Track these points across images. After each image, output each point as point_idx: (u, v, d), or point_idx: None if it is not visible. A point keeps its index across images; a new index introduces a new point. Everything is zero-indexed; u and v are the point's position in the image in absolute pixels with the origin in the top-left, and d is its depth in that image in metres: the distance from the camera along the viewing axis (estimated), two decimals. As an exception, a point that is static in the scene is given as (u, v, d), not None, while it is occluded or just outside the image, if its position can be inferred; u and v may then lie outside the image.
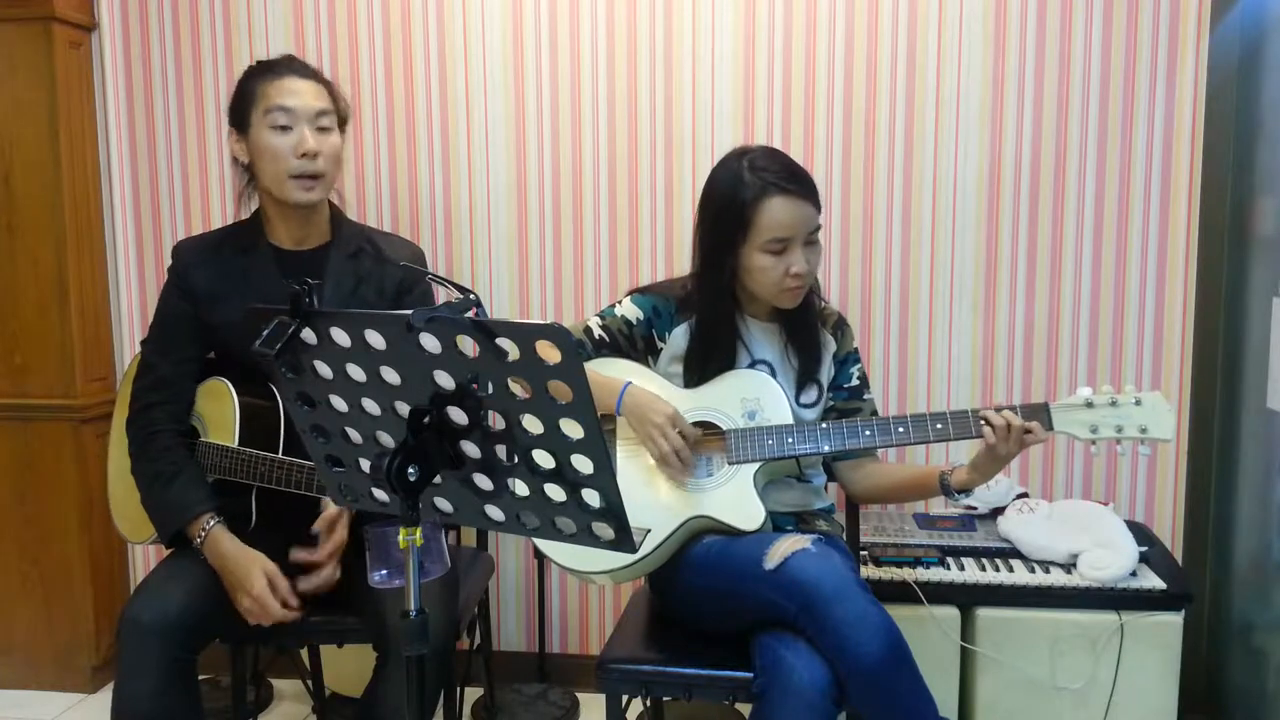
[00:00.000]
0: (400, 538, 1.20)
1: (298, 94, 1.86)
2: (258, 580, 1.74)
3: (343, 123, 1.94)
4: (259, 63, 1.93)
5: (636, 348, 1.86)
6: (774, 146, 1.84)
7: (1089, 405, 1.64)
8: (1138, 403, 1.62)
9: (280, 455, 1.80)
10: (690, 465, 1.74)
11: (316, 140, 1.85)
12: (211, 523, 1.79)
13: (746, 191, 1.71)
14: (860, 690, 1.50)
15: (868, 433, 1.73)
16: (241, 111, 1.88)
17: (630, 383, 1.77)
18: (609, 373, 1.83)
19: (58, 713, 2.56)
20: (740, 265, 1.76)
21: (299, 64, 1.91)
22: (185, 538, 1.82)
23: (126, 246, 2.69)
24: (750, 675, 1.60)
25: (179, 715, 1.67)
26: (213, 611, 1.75)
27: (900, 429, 1.72)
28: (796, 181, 1.72)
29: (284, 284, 1.17)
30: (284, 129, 1.84)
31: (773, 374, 1.83)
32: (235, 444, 1.82)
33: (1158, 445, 1.64)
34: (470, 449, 1.19)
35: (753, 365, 1.84)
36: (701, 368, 1.82)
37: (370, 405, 1.23)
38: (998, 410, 1.65)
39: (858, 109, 2.41)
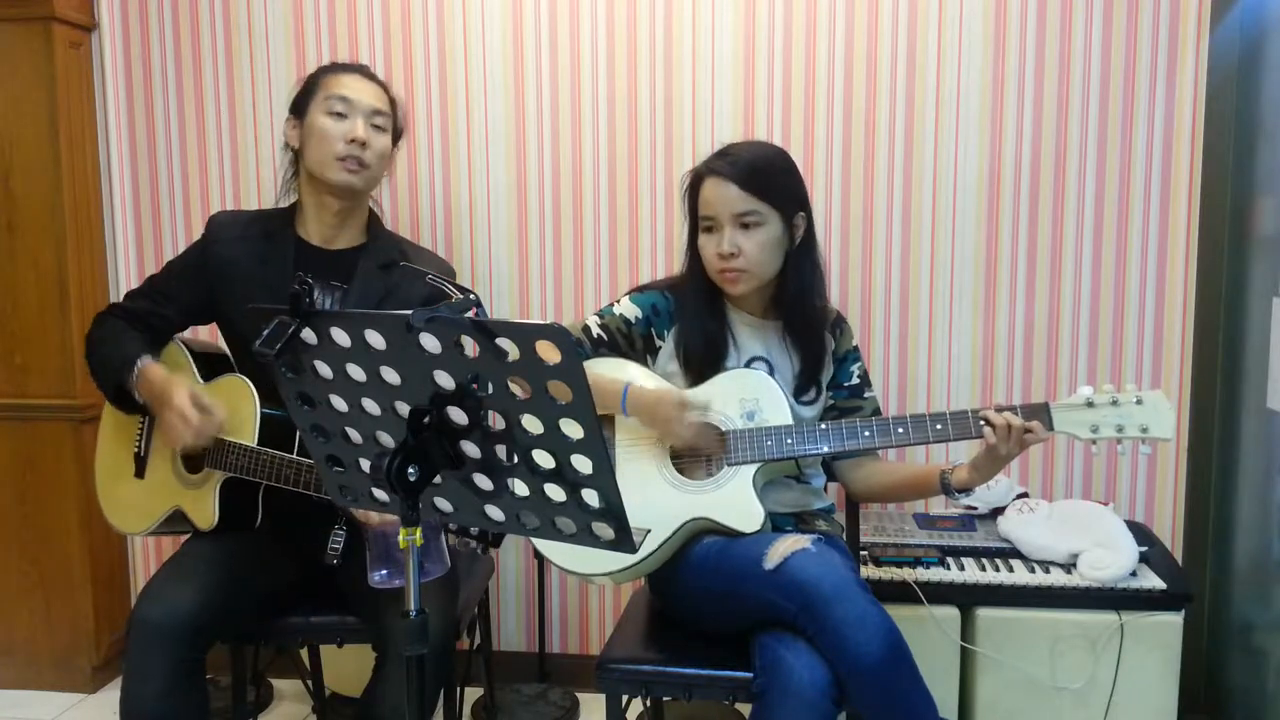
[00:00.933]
0: (400, 538, 1.20)
1: (359, 90, 1.92)
2: (180, 395, 1.77)
3: (397, 134, 1.99)
4: (333, 62, 2.01)
5: (635, 346, 1.87)
6: (764, 141, 1.86)
7: (1090, 405, 1.64)
8: (1138, 402, 1.62)
9: (297, 456, 1.80)
10: (710, 442, 1.76)
11: (368, 133, 1.90)
12: (141, 363, 1.85)
13: (693, 174, 1.83)
14: (860, 690, 1.50)
15: (867, 433, 1.74)
16: (303, 99, 1.94)
17: (630, 384, 1.78)
18: (606, 371, 1.83)
19: (58, 713, 2.56)
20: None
21: (369, 70, 1.98)
22: (127, 392, 1.88)
23: (126, 246, 2.69)
24: (750, 675, 1.60)
25: (186, 715, 1.68)
26: (220, 611, 1.75)
27: (900, 429, 1.72)
28: (726, 163, 1.77)
29: (295, 278, 1.18)
30: (339, 115, 1.90)
31: (770, 373, 1.83)
32: (254, 443, 1.82)
33: (1158, 444, 1.64)
34: (470, 449, 1.19)
35: (749, 363, 1.84)
36: (693, 361, 1.83)
37: (370, 405, 1.23)
38: (998, 410, 1.65)
39: (858, 109, 2.41)
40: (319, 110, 1.90)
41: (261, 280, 1.89)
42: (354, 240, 1.98)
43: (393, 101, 1.98)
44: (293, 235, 1.95)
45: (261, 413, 1.84)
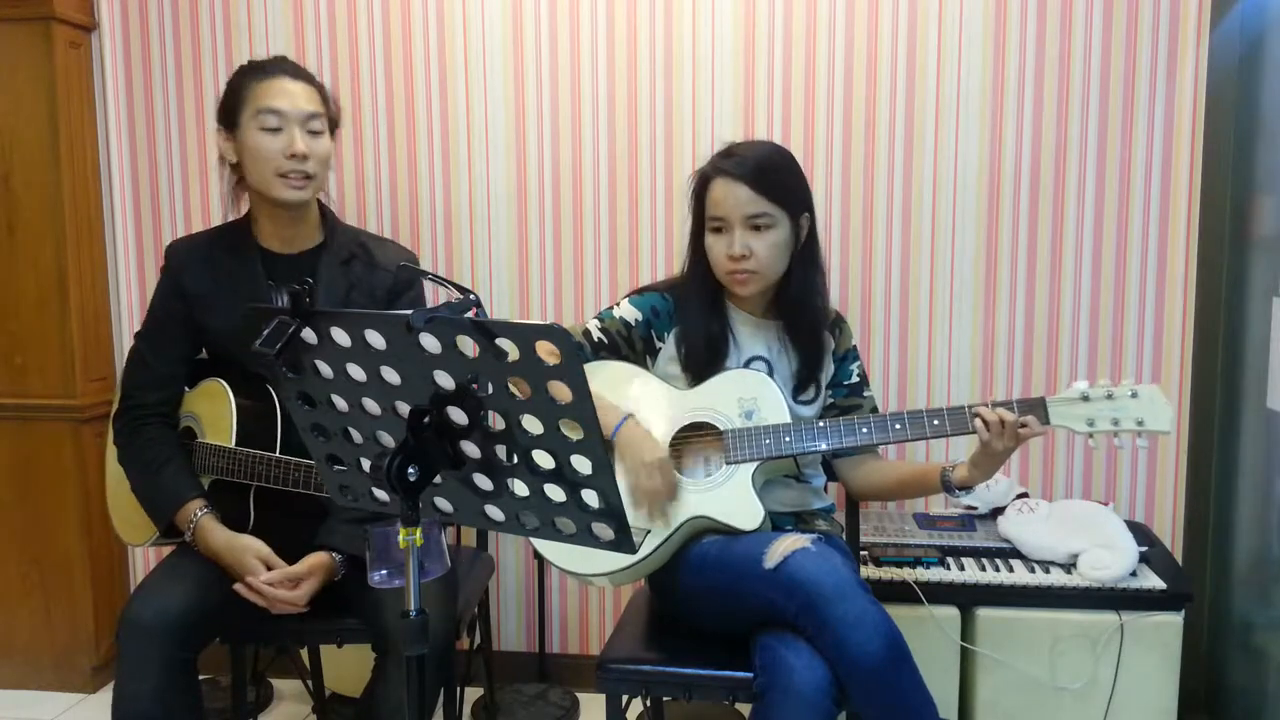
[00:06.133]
0: (400, 538, 1.20)
1: (289, 95, 1.84)
2: (255, 569, 1.75)
3: (333, 126, 1.92)
4: (250, 63, 1.91)
5: (635, 349, 1.86)
6: (767, 140, 1.85)
7: (1085, 399, 1.64)
8: (1134, 395, 1.62)
9: (278, 454, 1.80)
10: (665, 512, 1.73)
11: (306, 143, 1.84)
12: (199, 513, 1.80)
13: (702, 174, 1.81)
14: (860, 690, 1.50)
15: (865, 430, 1.74)
16: (231, 111, 1.86)
17: (631, 415, 1.77)
18: (608, 377, 1.83)
19: (58, 713, 2.56)
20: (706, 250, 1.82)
21: (291, 65, 1.89)
22: (176, 529, 1.83)
23: (126, 246, 2.69)
24: (750, 675, 1.60)
25: (180, 715, 1.67)
26: (213, 610, 1.75)
27: (898, 426, 1.72)
28: (735, 164, 1.76)
29: (271, 288, 1.17)
30: (274, 130, 1.83)
31: (770, 372, 1.83)
32: (233, 444, 1.82)
33: (1156, 438, 1.64)
34: (470, 449, 1.19)
35: (749, 363, 1.84)
36: (693, 361, 1.82)
37: (370, 405, 1.23)
38: (993, 406, 1.65)
39: (858, 109, 2.41)
40: (251, 125, 1.82)
41: (238, 297, 1.84)
42: (312, 239, 1.94)
43: (323, 95, 1.90)
44: (256, 245, 1.91)
45: (237, 402, 1.84)
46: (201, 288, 1.89)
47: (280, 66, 1.88)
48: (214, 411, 1.88)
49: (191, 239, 1.98)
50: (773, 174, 1.77)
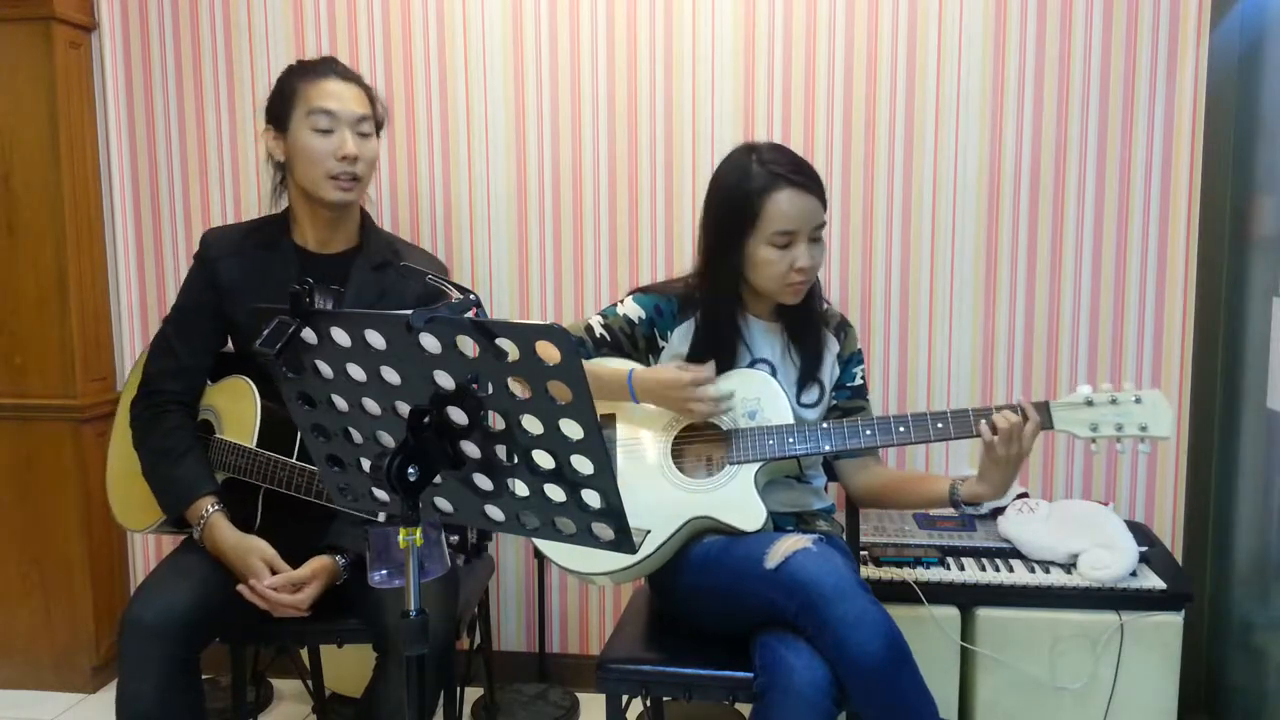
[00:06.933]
0: (400, 538, 1.20)
1: (341, 98, 1.86)
2: (259, 572, 1.75)
3: (379, 127, 1.95)
4: (300, 62, 1.93)
5: (638, 347, 1.87)
6: (772, 140, 1.85)
7: (1089, 403, 1.64)
8: (1137, 400, 1.62)
9: (295, 460, 1.80)
10: (728, 405, 1.76)
11: (357, 145, 1.86)
12: (212, 509, 1.80)
13: (754, 183, 1.73)
14: (860, 690, 1.50)
15: (868, 432, 1.73)
16: (281, 110, 1.88)
17: (634, 369, 1.78)
18: (609, 364, 1.83)
19: (58, 713, 2.56)
20: (745, 259, 1.76)
21: (341, 67, 1.92)
22: (185, 521, 1.83)
23: (126, 246, 2.69)
24: (750, 675, 1.60)
25: (182, 714, 1.68)
26: (214, 610, 1.75)
27: (901, 428, 1.72)
28: (805, 175, 1.74)
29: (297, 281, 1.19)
30: (326, 132, 1.85)
31: (773, 373, 1.83)
32: (253, 444, 1.82)
33: (1158, 443, 1.64)
34: (470, 449, 1.19)
35: (753, 365, 1.84)
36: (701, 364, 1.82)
37: (371, 405, 1.23)
38: (997, 410, 1.65)
39: (858, 109, 2.41)
40: (302, 126, 1.85)
41: (269, 293, 1.84)
42: (348, 242, 1.96)
43: (371, 98, 1.92)
44: (291, 243, 1.92)
45: (262, 402, 1.84)
46: (234, 281, 1.90)
47: (331, 67, 1.90)
48: (236, 409, 1.88)
49: (227, 230, 1.99)
50: (819, 180, 1.76)
